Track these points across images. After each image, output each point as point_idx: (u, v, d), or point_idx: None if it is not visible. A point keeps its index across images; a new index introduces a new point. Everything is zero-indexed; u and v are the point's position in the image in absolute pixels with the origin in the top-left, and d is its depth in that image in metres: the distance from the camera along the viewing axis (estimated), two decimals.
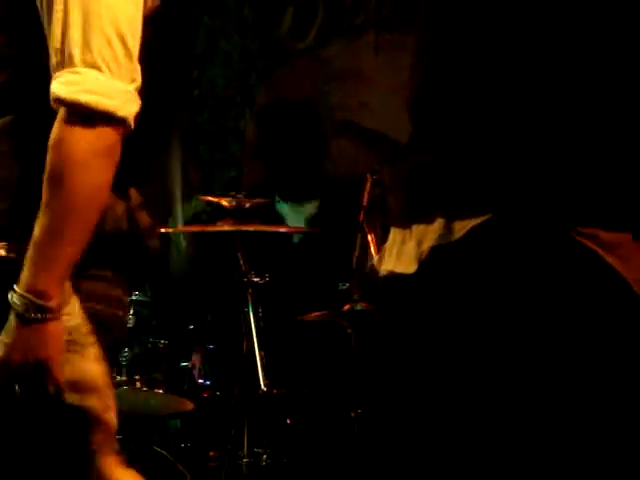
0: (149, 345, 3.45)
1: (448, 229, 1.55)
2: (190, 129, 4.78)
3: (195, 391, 3.52)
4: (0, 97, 1.78)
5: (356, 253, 3.60)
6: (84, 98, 1.67)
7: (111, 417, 1.78)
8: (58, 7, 1.70)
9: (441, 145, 1.57)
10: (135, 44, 1.72)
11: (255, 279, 3.59)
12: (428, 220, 1.57)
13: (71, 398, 1.73)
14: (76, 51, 1.68)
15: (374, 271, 3.37)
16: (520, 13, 1.53)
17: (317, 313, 3.62)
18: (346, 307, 3.56)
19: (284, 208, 4.12)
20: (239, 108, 4.89)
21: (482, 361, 1.55)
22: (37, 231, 1.69)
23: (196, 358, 3.59)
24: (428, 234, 1.56)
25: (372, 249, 3.58)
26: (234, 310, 3.66)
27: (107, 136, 1.68)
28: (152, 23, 1.79)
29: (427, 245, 1.57)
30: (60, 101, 1.68)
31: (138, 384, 3.38)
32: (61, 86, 1.68)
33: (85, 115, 1.67)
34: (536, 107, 1.52)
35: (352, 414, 3.52)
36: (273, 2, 4.84)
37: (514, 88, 1.53)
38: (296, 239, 4.14)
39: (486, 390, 1.54)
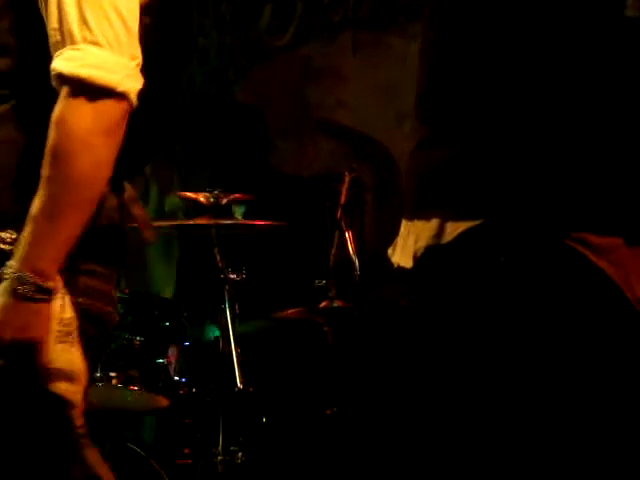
0: (125, 342, 3.43)
1: (441, 230, 1.55)
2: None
3: (171, 388, 3.50)
4: (2, 84, 1.76)
5: (333, 250, 3.59)
6: (85, 72, 1.67)
7: (81, 414, 1.77)
8: None
9: (448, 144, 1.57)
10: (134, 23, 1.72)
11: (232, 276, 3.57)
12: (426, 218, 1.57)
13: (61, 387, 1.72)
14: (75, 28, 1.68)
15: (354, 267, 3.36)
16: (526, 13, 1.53)
17: (293, 310, 3.61)
18: (323, 304, 3.55)
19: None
20: (217, 105, 4.88)
21: (468, 364, 1.55)
22: (36, 208, 1.68)
23: (172, 355, 3.57)
24: (424, 232, 1.57)
25: (349, 247, 3.57)
26: (210, 307, 3.65)
27: (109, 111, 1.68)
28: (151, 13, 1.79)
29: (421, 244, 1.58)
30: (61, 77, 1.68)
31: (114, 381, 3.36)
32: (62, 62, 1.68)
33: (86, 90, 1.67)
34: (530, 112, 1.52)
35: (328, 412, 3.52)
36: None
37: (510, 92, 1.53)
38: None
39: (468, 392, 1.54)
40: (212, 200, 3.60)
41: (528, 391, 1.51)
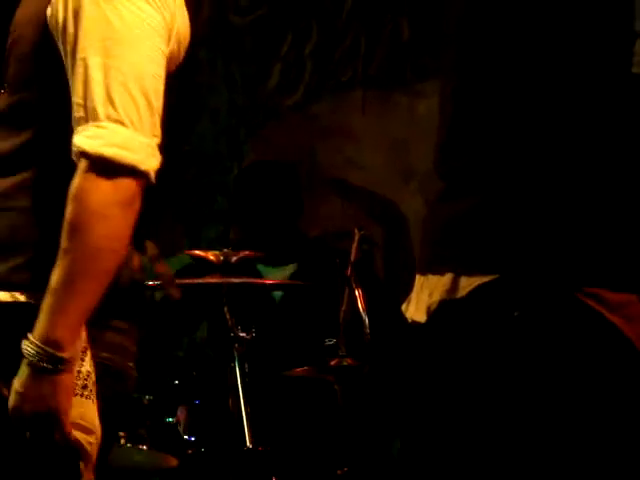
0: (133, 400, 3.41)
1: (455, 285, 1.56)
2: (176, 184, 4.78)
3: (180, 447, 3.48)
4: (24, 153, 1.81)
5: (343, 308, 3.58)
6: (108, 152, 1.70)
7: (93, 469, 1.78)
8: (79, 62, 1.73)
9: (462, 199, 1.58)
10: (157, 100, 1.75)
11: (241, 334, 3.56)
12: (440, 272, 1.58)
13: (75, 434, 1.73)
14: (100, 106, 1.71)
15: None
16: (540, 71, 1.54)
17: (303, 368, 3.59)
18: (332, 362, 3.53)
19: (264, 270, 4.11)
20: (227, 163, 4.90)
21: (482, 418, 1.54)
22: (54, 279, 1.70)
23: (181, 414, 3.55)
24: (438, 287, 1.58)
25: (360, 304, 3.56)
26: (220, 365, 3.63)
27: (128, 188, 1.71)
28: (174, 79, 1.83)
29: (436, 298, 1.59)
30: (85, 154, 1.71)
31: (122, 440, 3.34)
32: (86, 140, 1.71)
33: (108, 168, 1.70)
34: (544, 167, 1.53)
35: (339, 472, 3.48)
36: (261, 58, 4.87)
37: (525, 149, 1.55)
38: (277, 296, 4.12)
39: (483, 446, 1.54)
40: (222, 258, 3.60)
41: (542, 444, 1.50)
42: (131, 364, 1.87)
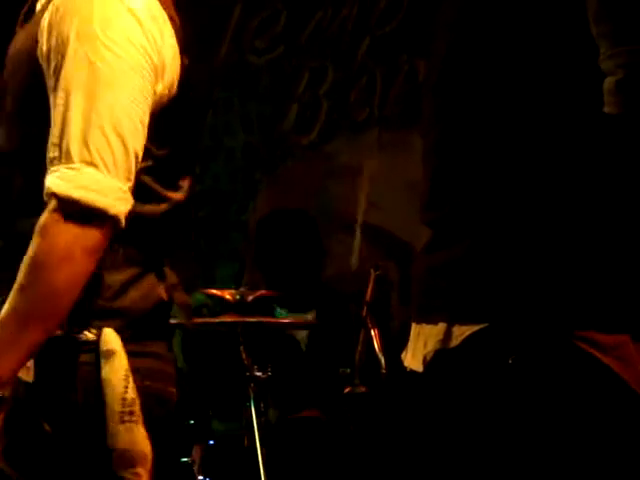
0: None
1: (448, 334, 1.57)
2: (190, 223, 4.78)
3: None
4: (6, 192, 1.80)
5: (359, 348, 3.57)
6: (77, 194, 1.68)
7: None
8: (59, 101, 1.72)
9: (450, 247, 1.59)
10: (135, 142, 1.73)
11: (257, 374, 3.55)
12: (434, 322, 1.59)
13: (121, 468, 1.72)
14: (74, 147, 1.70)
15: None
16: (523, 114, 1.56)
17: (315, 410, 3.57)
18: (346, 390, 3.52)
19: (284, 315, 4.11)
20: (242, 202, 4.91)
21: (480, 467, 1.54)
22: (4, 313, 1.68)
23: (196, 454, 3.53)
24: (432, 337, 1.59)
25: (375, 344, 3.56)
26: (236, 405, 3.62)
27: (95, 233, 1.69)
28: (175, 107, 1.81)
29: (430, 348, 1.60)
30: (54, 195, 1.69)
31: None
32: (56, 180, 1.70)
33: (76, 210, 1.68)
34: (530, 214, 1.55)
35: None
36: (277, 98, 4.89)
37: (510, 196, 1.56)
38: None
39: None
40: (238, 297, 3.59)
41: None
42: (172, 388, 1.84)
